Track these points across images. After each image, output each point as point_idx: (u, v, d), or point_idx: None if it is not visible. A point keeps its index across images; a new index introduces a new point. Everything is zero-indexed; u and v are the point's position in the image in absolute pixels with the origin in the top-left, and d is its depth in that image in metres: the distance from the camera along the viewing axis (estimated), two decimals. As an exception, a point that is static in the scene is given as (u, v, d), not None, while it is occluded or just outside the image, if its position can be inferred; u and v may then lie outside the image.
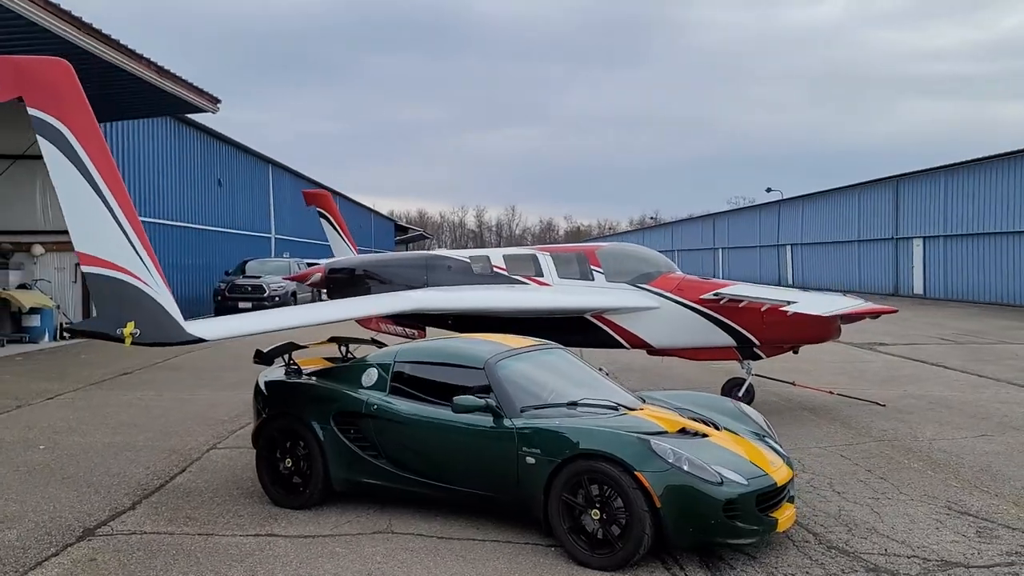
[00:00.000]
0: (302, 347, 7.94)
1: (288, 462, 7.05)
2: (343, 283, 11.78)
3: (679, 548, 5.73)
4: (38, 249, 22.13)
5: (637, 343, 10.85)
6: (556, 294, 10.74)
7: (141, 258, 5.93)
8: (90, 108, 6.12)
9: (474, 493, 6.32)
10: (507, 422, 6.15)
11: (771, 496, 5.86)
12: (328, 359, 8.21)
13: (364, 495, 6.97)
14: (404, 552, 5.97)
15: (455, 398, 6.24)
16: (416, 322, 10.97)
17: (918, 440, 9.39)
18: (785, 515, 5.95)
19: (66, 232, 20.32)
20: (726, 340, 10.80)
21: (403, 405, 6.68)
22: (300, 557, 5.90)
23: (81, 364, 16.56)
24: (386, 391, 6.85)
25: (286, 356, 7.75)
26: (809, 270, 50.44)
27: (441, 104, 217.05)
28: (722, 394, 11.30)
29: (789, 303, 9.99)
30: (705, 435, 6.20)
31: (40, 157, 20.63)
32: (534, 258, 11.18)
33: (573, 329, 10.77)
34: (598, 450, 5.67)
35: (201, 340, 6.23)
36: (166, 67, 18.35)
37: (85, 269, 6.06)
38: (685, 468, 5.55)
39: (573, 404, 6.39)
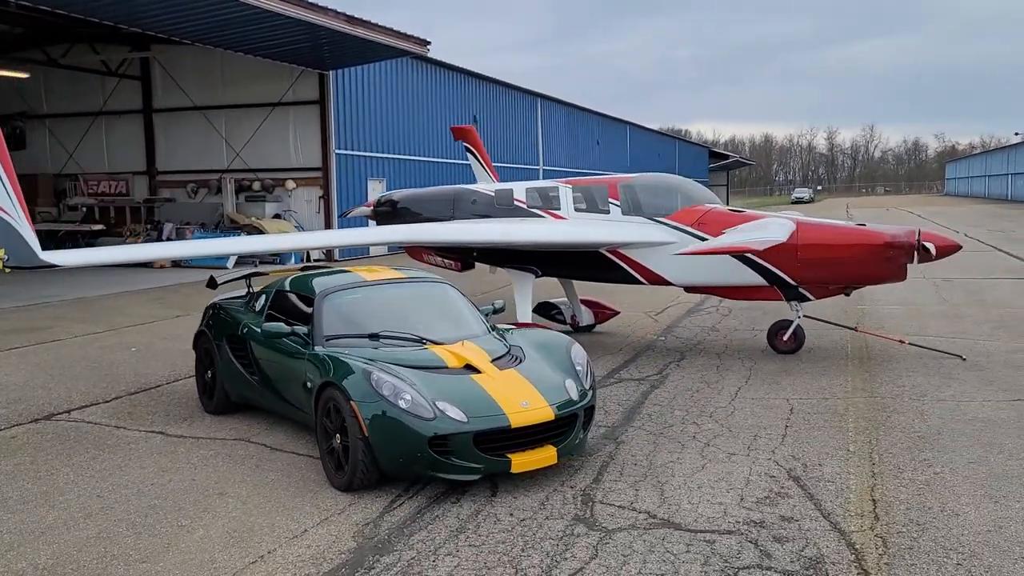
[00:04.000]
0: (261, 274, 8.99)
1: (208, 374, 8.19)
2: (387, 215, 12.56)
3: (393, 477, 5.94)
4: (291, 184, 25.62)
5: (655, 279, 10.43)
6: (550, 227, 10.62)
7: (8, 194, 7.23)
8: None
9: (299, 411, 6.96)
10: (309, 349, 6.68)
11: (505, 437, 5.83)
12: None
13: (257, 409, 7.89)
14: (220, 457, 6.83)
15: (263, 324, 6.90)
16: (453, 255, 11.50)
17: (922, 400, 8.17)
18: (531, 457, 5.89)
19: (312, 169, 23.90)
20: (755, 279, 10.00)
21: (280, 328, 7.36)
22: (146, 450, 7.01)
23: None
24: (263, 317, 7.65)
25: (247, 281, 8.80)
26: None
27: (800, 16, 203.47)
28: (767, 336, 10.62)
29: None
30: (478, 371, 6.25)
31: (293, 103, 24.30)
32: (553, 191, 11.07)
33: (591, 264, 10.63)
34: (333, 379, 6.05)
35: (54, 266, 7.49)
36: (358, 16, 20.12)
37: (-28, 208, 7.53)
38: (400, 403, 5.73)
39: (375, 336, 6.72)
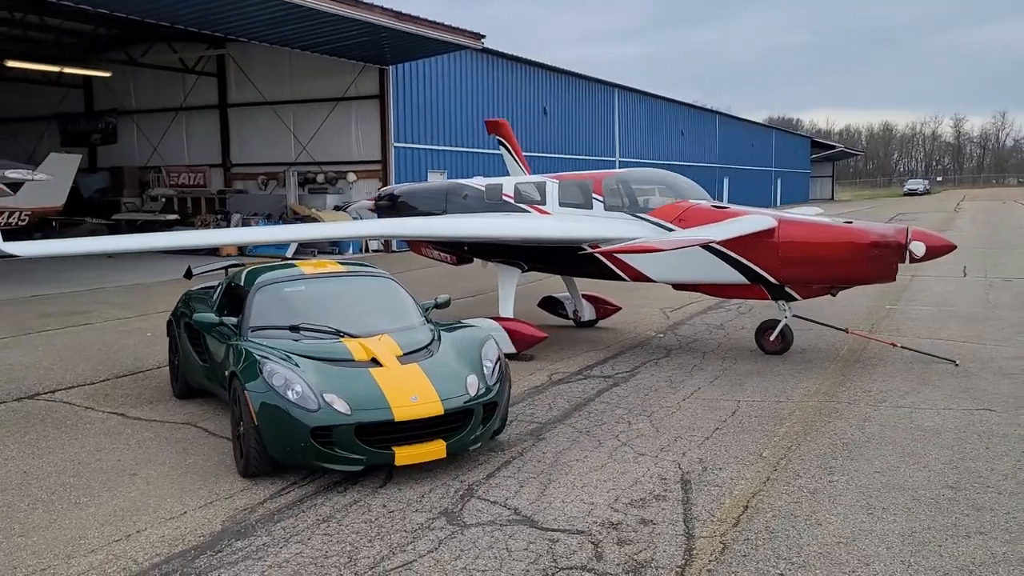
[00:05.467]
0: (237, 265, 9.37)
1: (176, 360, 8.63)
2: (386, 208, 12.78)
3: (282, 465, 6.15)
4: (351, 177, 26.31)
5: (637, 276, 10.31)
6: (530, 222, 10.60)
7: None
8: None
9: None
10: (235, 340, 6.97)
11: (389, 430, 5.97)
12: None
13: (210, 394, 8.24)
14: (158, 439, 7.20)
15: (194, 315, 7.24)
16: (448, 250, 11.67)
17: (877, 406, 7.87)
18: (417, 451, 6.02)
19: (372, 162, 24.81)
20: (735, 277, 9.80)
21: (209, 319, 7.73)
22: (96, 430, 7.46)
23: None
24: (215, 307, 8.01)
25: (226, 272, 9.20)
26: None
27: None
28: (755, 336, 10.44)
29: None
30: (380, 365, 6.39)
31: (355, 98, 25.21)
32: (541, 186, 11.06)
33: (575, 260, 10.58)
34: (236, 368, 6.32)
35: (12, 256, 8.00)
36: (407, 12, 20.47)
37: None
38: (289, 394, 5.95)
39: (296, 328, 6.94)
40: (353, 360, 6.49)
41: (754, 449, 6.67)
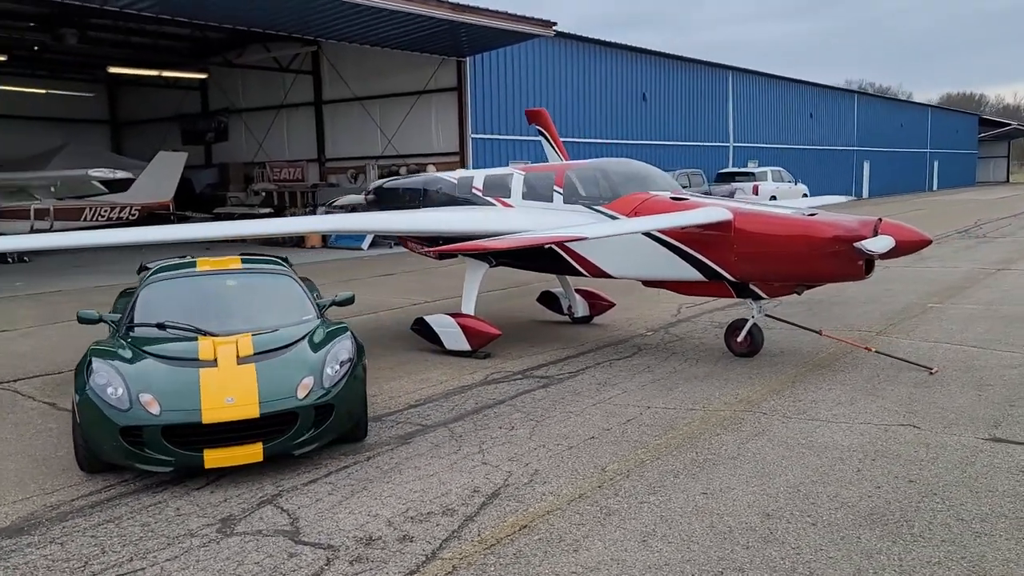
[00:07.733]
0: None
1: (115, 353, 8.95)
2: (374, 201, 12.66)
3: (104, 463, 6.19)
4: (431, 168, 26.42)
5: (596, 272, 9.79)
6: (474, 214, 10.21)
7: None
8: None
9: None
10: (112, 338, 7.13)
11: (198, 432, 5.92)
12: None
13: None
14: (54, 431, 7.44)
15: (79, 312, 7.45)
16: (427, 244, 11.49)
17: (793, 417, 7.13)
18: (229, 454, 5.95)
19: (450, 154, 25.38)
20: (692, 274, 9.15)
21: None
22: (15, 419, 7.82)
23: (392, 263, 20.12)
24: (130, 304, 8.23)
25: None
26: None
27: None
28: (724, 336, 9.78)
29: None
30: (217, 365, 6.36)
31: (435, 91, 25.77)
32: (507, 179, 10.67)
33: (538, 255, 10.19)
34: (77, 367, 6.46)
35: None
36: (466, 4, 20.38)
37: None
38: (108, 392, 6.01)
39: (162, 326, 7.00)
40: (197, 359, 6.48)
41: (602, 462, 6.18)
